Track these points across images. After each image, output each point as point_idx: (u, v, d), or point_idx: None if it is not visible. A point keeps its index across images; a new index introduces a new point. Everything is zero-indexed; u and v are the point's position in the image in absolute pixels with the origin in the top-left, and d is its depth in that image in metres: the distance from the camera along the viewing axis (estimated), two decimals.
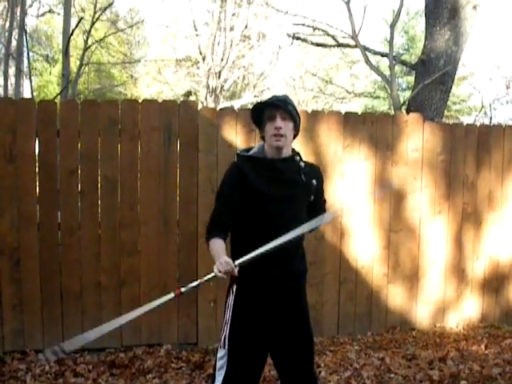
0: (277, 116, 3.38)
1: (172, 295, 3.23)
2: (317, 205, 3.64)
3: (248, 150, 3.66)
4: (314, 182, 3.54)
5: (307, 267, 3.70)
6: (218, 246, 3.30)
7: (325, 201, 3.78)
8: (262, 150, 3.55)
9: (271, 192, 3.40)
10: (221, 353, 3.47)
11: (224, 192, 3.51)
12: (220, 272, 3.04)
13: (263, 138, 3.54)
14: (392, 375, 5.43)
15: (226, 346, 3.43)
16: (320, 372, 5.42)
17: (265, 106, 3.48)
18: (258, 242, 3.26)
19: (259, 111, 3.52)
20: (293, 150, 3.58)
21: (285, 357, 3.53)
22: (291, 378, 3.55)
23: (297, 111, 3.50)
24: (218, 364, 3.49)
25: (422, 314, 6.87)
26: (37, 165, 5.66)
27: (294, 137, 3.58)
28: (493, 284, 7.15)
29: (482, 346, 6.26)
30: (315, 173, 3.63)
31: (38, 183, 5.69)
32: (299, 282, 3.64)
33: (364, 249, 6.59)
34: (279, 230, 3.28)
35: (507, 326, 7.04)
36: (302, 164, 3.54)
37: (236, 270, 3.09)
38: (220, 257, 3.14)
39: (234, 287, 3.47)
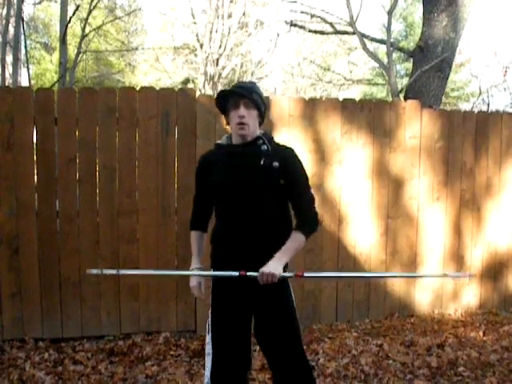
0: (240, 104, 3.39)
1: (236, 274, 3.36)
2: (293, 191, 3.53)
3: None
4: (276, 163, 3.43)
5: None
6: (194, 242, 3.75)
7: (313, 198, 3.62)
8: (230, 137, 3.60)
9: (229, 178, 3.41)
10: (207, 338, 3.57)
11: (197, 180, 3.74)
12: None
13: (228, 124, 3.56)
14: (390, 362, 5.44)
15: (211, 332, 3.52)
16: (318, 359, 5.44)
17: (229, 93, 3.47)
18: (224, 229, 3.49)
19: (224, 98, 3.52)
20: (260, 133, 3.55)
21: (269, 342, 3.55)
22: (281, 366, 3.56)
23: (262, 99, 3.50)
24: (206, 349, 3.57)
25: (420, 301, 6.89)
26: (35, 153, 5.66)
27: (260, 123, 3.57)
28: (491, 271, 7.17)
29: (480, 333, 6.27)
30: (282, 155, 3.52)
31: (36, 171, 5.68)
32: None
33: (362, 236, 6.60)
34: (240, 214, 3.42)
35: (505, 313, 7.07)
36: (265, 147, 3.49)
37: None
38: (192, 267, 3.66)
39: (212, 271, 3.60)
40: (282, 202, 3.53)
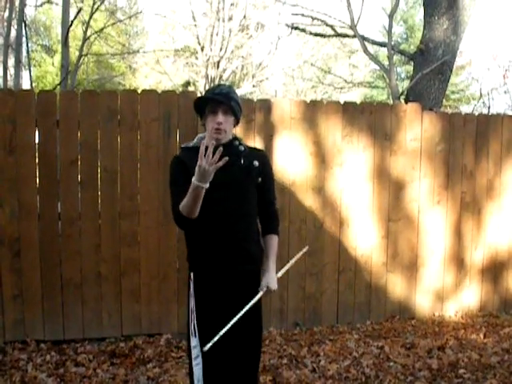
0: (219, 111, 3.43)
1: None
2: (266, 191, 3.67)
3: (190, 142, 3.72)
4: (256, 162, 3.55)
5: (262, 250, 3.68)
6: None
7: (275, 198, 3.77)
8: (201, 140, 3.59)
9: (212, 178, 3.27)
10: (193, 342, 3.53)
11: (175, 182, 3.54)
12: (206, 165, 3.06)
13: (204, 125, 3.57)
14: (391, 364, 5.45)
15: (197, 335, 3.51)
16: (320, 361, 5.46)
17: (209, 100, 3.49)
18: (207, 228, 3.44)
19: (203, 102, 3.54)
20: (233, 135, 3.62)
21: (233, 341, 3.50)
22: (232, 366, 3.57)
23: (239, 105, 3.55)
24: (193, 353, 3.54)
25: (421, 303, 6.90)
26: (37, 155, 5.67)
27: (234, 126, 3.63)
28: (491, 273, 7.18)
29: (481, 335, 6.28)
30: (258, 155, 3.65)
31: (38, 174, 5.69)
32: (253, 266, 3.61)
33: (363, 238, 6.61)
34: (225, 214, 3.45)
35: (506, 315, 7.08)
36: (242, 147, 3.56)
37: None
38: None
39: (192, 275, 3.60)
40: (255, 202, 3.63)
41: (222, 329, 3.31)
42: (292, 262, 3.81)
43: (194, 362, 3.54)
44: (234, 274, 3.51)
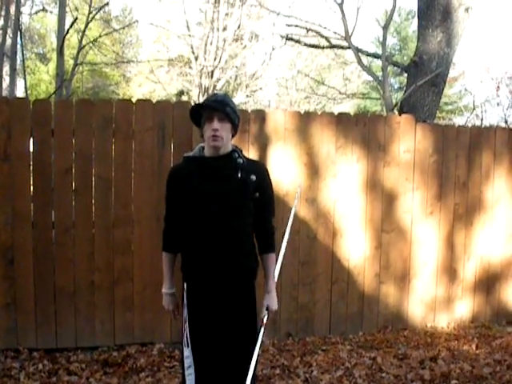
0: (214, 118, 3.43)
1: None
2: (263, 207, 3.67)
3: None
4: (254, 177, 3.54)
5: (257, 264, 3.71)
6: (166, 265, 3.83)
7: (272, 215, 3.79)
8: (201, 150, 3.63)
9: (206, 189, 3.45)
10: (186, 352, 3.56)
11: (167, 197, 3.70)
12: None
13: (202, 136, 3.58)
14: (383, 374, 5.46)
15: (190, 345, 3.54)
16: (312, 371, 5.47)
17: (203, 107, 3.52)
18: (200, 241, 3.50)
19: (198, 111, 3.57)
20: (233, 146, 3.64)
21: (226, 352, 3.54)
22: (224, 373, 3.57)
23: (236, 112, 3.57)
24: (186, 363, 3.56)
25: (413, 314, 6.92)
26: (31, 164, 5.67)
27: (233, 136, 3.64)
28: (484, 284, 7.21)
29: (473, 346, 6.30)
30: (256, 169, 3.65)
31: (32, 182, 5.69)
32: (245, 278, 3.64)
33: (356, 249, 6.63)
34: (219, 227, 3.47)
35: (498, 326, 7.09)
36: (241, 160, 3.57)
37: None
38: (164, 291, 3.81)
39: (185, 286, 3.64)
40: (251, 216, 3.62)
41: (214, 340, 3.43)
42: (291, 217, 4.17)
43: (186, 372, 3.57)
44: (225, 285, 3.53)
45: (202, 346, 3.50)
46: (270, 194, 3.76)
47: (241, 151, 3.67)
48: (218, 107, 3.44)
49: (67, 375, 5.19)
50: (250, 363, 3.54)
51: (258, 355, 3.59)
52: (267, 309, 3.62)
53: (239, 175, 3.51)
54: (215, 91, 19.58)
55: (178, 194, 3.55)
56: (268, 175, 3.75)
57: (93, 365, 5.47)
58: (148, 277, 5.94)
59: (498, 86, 18.03)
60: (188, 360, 3.55)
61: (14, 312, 5.66)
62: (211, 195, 3.44)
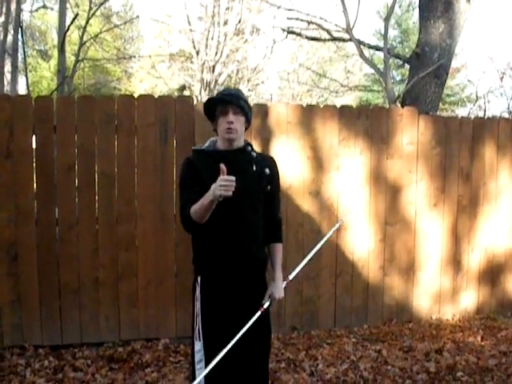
0: (229, 111, 3.49)
1: (259, 313, 3.53)
2: (273, 200, 3.76)
3: (202, 146, 3.77)
4: (267, 170, 3.65)
5: (267, 255, 3.79)
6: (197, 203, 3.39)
7: (279, 207, 3.87)
8: (214, 143, 3.69)
9: None
10: (197, 346, 3.60)
11: (185, 184, 3.61)
12: (224, 190, 3.15)
13: (215, 130, 3.64)
14: (389, 367, 5.47)
15: (201, 339, 3.57)
16: (317, 364, 5.47)
17: (218, 101, 3.57)
18: (216, 233, 3.51)
19: (212, 105, 3.61)
20: (245, 140, 3.70)
21: (242, 348, 3.52)
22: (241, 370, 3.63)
23: (249, 105, 3.63)
24: (197, 357, 3.59)
25: (418, 306, 6.91)
26: (34, 160, 5.67)
27: (246, 129, 3.69)
28: (488, 276, 7.20)
29: (478, 338, 6.30)
30: (268, 162, 3.74)
31: (35, 179, 5.70)
32: (259, 271, 3.70)
33: (360, 242, 6.62)
34: (235, 220, 3.52)
35: (503, 318, 7.09)
36: (254, 154, 3.65)
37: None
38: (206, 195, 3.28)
39: (199, 278, 3.64)
40: (262, 209, 3.69)
41: (227, 334, 3.40)
42: (324, 239, 4.24)
43: (196, 366, 3.59)
44: (240, 278, 3.58)
45: (215, 340, 3.51)
46: (279, 187, 3.86)
47: (251, 145, 3.72)
48: (232, 100, 3.48)
49: (73, 371, 5.20)
50: (262, 358, 3.71)
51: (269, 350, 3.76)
52: (270, 296, 3.64)
53: (254, 168, 3.59)
54: (217, 86, 19.58)
55: (195, 183, 3.53)
56: (277, 168, 3.82)
57: (98, 361, 5.48)
58: (152, 272, 5.95)
59: (502, 77, 17.95)
60: (199, 354, 3.58)
61: (19, 309, 5.67)
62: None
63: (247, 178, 3.53)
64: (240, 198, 3.41)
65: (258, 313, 3.50)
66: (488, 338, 6.32)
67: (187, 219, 3.46)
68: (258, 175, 3.60)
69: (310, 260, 4.12)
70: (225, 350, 3.33)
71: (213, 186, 3.19)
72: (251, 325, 3.47)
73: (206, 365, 3.46)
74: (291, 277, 3.84)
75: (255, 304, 3.59)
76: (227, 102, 3.50)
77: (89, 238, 5.81)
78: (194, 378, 3.57)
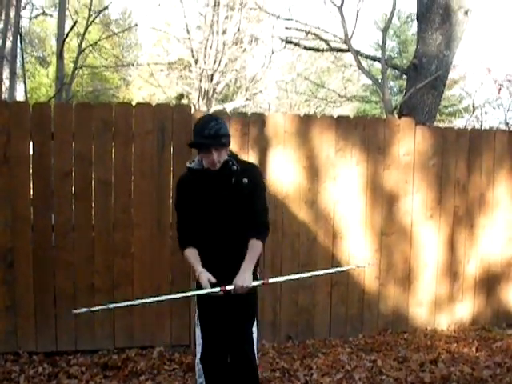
0: (212, 150, 3.87)
1: (218, 289, 3.84)
2: (251, 199, 4.03)
3: (194, 160, 4.18)
4: (246, 180, 4.00)
5: (257, 265, 4.13)
6: (192, 256, 4.01)
7: (266, 208, 4.17)
8: (200, 161, 4.05)
9: (206, 197, 3.99)
10: (197, 331, 4.31)
11: (178, 206, 4.19)
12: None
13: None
14: (383, 377, 5.46)
15: (199, 325, 4.23)
16: (312, 374, 5.46)
17: (200, 145, 3.96)
18: (206, 237, 4.03)
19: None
20: (228, 155, 4.04)
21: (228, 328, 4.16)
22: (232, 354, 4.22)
23: (227, 134, 3.98)
24: (197, 341, 4.31)
25: (413, 317, 6.91)
26: (31, 167, 5.68)
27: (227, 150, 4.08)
28: (484, 286, 7.21)
29: (473, 349, 6.30)
30: (248, 172, 4.08)
31: (32, 185, 5.70)
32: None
33: (356, 251, 6.62)
34: (221, 224, 4.00)
35: (498, 329, 7.09)
36: (234, 167, 4.00)
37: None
38: (198, 271, 3.89)
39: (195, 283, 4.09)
40: (244, 214, 4.03)
41: (218, 319, 4.11)
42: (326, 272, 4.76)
43: (197, 349, 4.40)
44: (231, 275, 3.86)
45: (209, 326, 4.16)
46: (260, 188, 4.15)
47: (236, 157, 4.14)
48: (213, 144, 3.86)
49: (67, 378, 5.20)
50: (246, 336, 4.20)
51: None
52: (234, 284, 3.83)
53: (233, 181, 3.98)
54: (215, 95, 19.62)
55: (187, 200, 4.05)
56: (258, 174, 4.23)
57: (93, 368, 5.47)
58: (148, 280, 5.95)
59: (500, 88, 17.94)
60: (199, 338, 4.30)
61: (14, 315, 5.67)
62: (212, 200, 3.97)
63: (227, 188, 3.99)
64: (223, 206, 3.98)
65: (218, 289, 3.78)
66: (483, 349, 6.31)
67: (181, 247, 4.13)
68: (237, 185, 3.98)
69: (302, 267, 4.40)
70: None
71: (204, 278, 3.81)
72: (236, 301, 3.99)
73: (204, 347, 4.20)
74: (271, 280, 4.03)
75: (244, 299, 3.98)
76: (208, 145, 3.87)
77: (85, 244, 5.82)
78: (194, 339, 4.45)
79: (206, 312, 4.14)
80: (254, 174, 4.14)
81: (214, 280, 3.80)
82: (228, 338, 4.15)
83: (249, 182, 4.01)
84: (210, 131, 3.86)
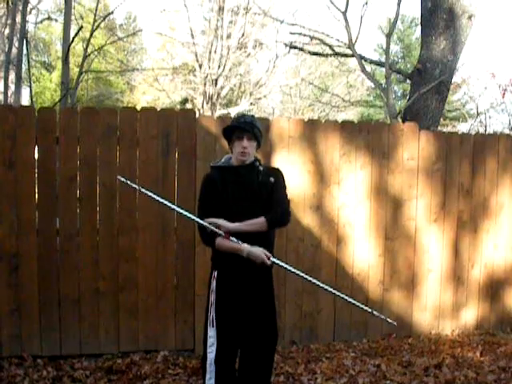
0: (244, 138, 4.11)
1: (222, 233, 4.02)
2: (276, 192, 4.21)
3: (218, 161, 4.38)
4: (272, 179, 4.22)
5: (273, 253, 4.20)
6: (227, 243, 4.02)
7: (287, 200, 4.29)
8: (229, 160, 4.30)
9: (235, 193, 4.13)
10: (211, 332, 4.17)
11: (204, 202, 4.23)
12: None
13: (231, 149, 4.27)
14: (388, 382, 5.46)
15: (215, 325, 4.14)
16: (316, 378, 5.46)
17: (236, 127, 4.15)
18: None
19: (230, 130, 4.21)
20: (255, 157, 4.27)
21: (250, 341, 4.23)
22: (249, 362, 4.26)
23: (261, 132, 4.23)
24: (209, 342, 4.17)
25: (417, 321, 6.91)
26: (36, 171, 5.70)
27: (257, 149, 4.29)
28: (488, 291, 7.20)
29: (478, 353, 6.29)
30: (273, 172, 4.34)
31: (37, 189, 5.72)
32: (268, 267, 4.12)
33: (360, 256, 6.63)
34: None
35: (502, 333, 7.08)
36: (261, 168, 4.25)
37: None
38: (242, 246, 3.96)
39: (215, 273, 4.19)
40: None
41: (237, 323, 4.13)
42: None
43: (208, 350, 4.18)
44: (251, 273, 4.11)
45: (226, 327, 4.13)
46: (279, 185, 4.28)
47: (260, 161, 4.33)
48: (247, 129, 4.08)
49: (71, 382, 5.20)
50: (268, 343, 4.27)
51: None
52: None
53: (259, 179, 4.19)
54: (219, 99, 19.64)
55: (214, 196, 4.13)
56: (282, 175, 4.36)
57: (97, 372, 5.47)
58: (153, 284, 5.96)
59: (504, 93, 17.94)
60: (211, 339, 4.16)
61: (19, 319, 5.68)
62: (241, 196, 4.14)
63: (255, 185, 4.17)
64: (249, 204, 4.13)
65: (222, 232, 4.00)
66: (487, 354, 6.30)
67: (210, 244, 4.13)
68: (263, 183, 4.18)
69: (307, 272, 4.42)
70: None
71: (255, 251, 3.95)
72: (260, 319, 4.17)
73: (217, 347, 4.12)
74: (273, 260, 4.08)
75: (263, 298, 4.22)
76: (243, 129, 4.09)
77: (89, 249, 5.83)
78: (204, 359, 4.17)
79: (225, 313, 4.15)
80: (278, 175, 4.32)
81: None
82: (254, 333, 4.20)
83: (274, 180, 4.22)
84: (245, 119, 4.15)
